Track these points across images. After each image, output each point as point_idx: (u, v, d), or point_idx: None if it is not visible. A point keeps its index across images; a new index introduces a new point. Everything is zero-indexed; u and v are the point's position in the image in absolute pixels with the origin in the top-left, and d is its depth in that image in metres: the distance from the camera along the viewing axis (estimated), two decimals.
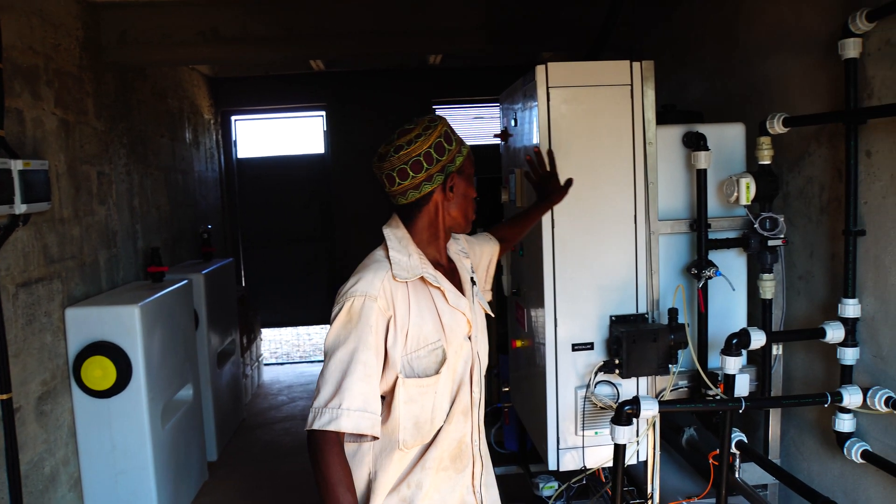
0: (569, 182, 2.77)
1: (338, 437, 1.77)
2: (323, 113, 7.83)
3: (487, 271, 2.40)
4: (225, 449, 5.42)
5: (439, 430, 1.90)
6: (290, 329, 9.24)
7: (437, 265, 1.96)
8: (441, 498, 1.92)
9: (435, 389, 1.86)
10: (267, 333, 8.82)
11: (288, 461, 5.17)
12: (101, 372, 3.71)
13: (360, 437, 1.87)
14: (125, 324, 3.78)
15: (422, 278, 1.88)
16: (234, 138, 7.87)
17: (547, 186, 2.77)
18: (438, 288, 1.90)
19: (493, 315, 2.18)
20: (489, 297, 2.39)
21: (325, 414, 1.75)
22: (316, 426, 1.75)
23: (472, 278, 2.07)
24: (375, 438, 1.84)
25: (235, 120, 7.89)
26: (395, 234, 1.94)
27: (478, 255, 2.33)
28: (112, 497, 3.87)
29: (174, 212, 5.83)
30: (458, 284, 2.01)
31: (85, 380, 3.72)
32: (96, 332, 3.76)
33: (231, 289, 6.02)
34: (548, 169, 2.79)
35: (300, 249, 7.93)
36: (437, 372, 1.85)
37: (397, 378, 1.83)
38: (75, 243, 3.94)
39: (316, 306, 7.96)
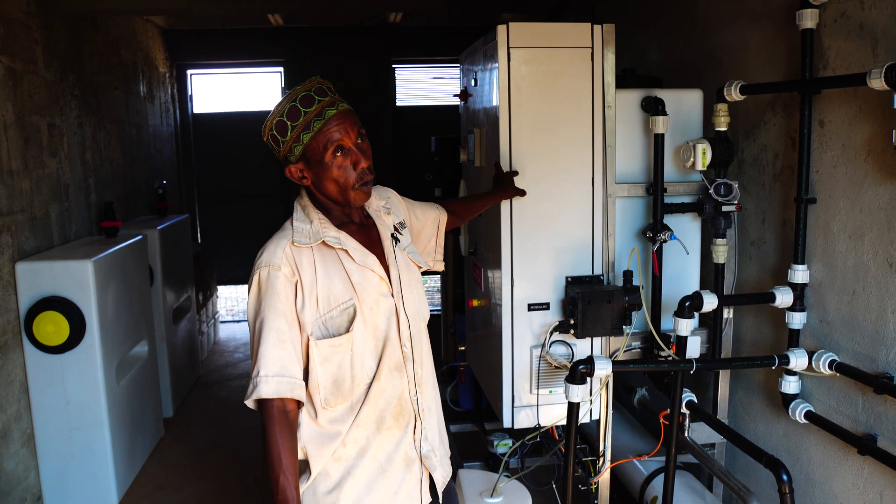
0: (522, 191, 2.89)
1: (278, 410, 1.80)
2: (281, 69, 7.69)
3: (437, 240, 2.40)
4: (181, 406, 5.41)
5: (370, 387, 1.91)
6: (246, 286, 9.14)
7: (344, 225, 1.96)
8: (387, 456, 1.94)
9: (350, 347, 1.87)
10: (223, 291, 8.75)
11: (244, 418, 5.17)
12: (53, 327, 3.66)
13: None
14: (78, 279, 3.72)
15: (324, 242, 1.90)
16: (189, 93, 7.70)
17: (503, 183, 2.87)
18: (342, 249, 1.91)
19: (423, 267, 2.17)
20: (440, 266, 2.40)
21: (249, 386, 1.81)
22: (246, 400, 1.83)
23: (393, 235, 2.06)
24: (301, 404, 1.87)
25: (191, 74, 7.71)
26: (300, 204, 1.99)
27: (420, 220, 2.33)
28: (66, 453, 3.84)
29: (128, 166, 5.71)
30: (376, 240, 2.01)
31: (37, 335, 3.66)
32: (48, 287, 3.69)
33: (186, 245, 5.94)
34: (506, 173, 2.92)
35: (257, 207, 7.84)
36: (349, 330, 1.87)
37: (309, 340, 1.85)
38: (25, 196, 3.84)
39: None
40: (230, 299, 9.22)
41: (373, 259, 1.94)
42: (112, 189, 5.27)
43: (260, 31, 7.34)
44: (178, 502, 4.03)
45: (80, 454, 3.86)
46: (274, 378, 1.79)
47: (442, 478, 2.06)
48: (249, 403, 1.84)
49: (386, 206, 2.13)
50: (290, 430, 1.83)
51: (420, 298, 2.07)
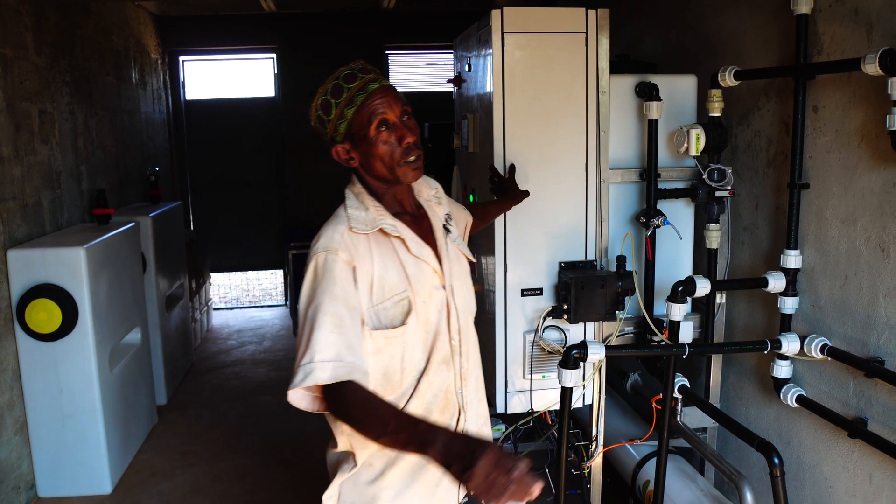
0: (526, 192, 2.84)
1: (350, 388, 1.67)
2: (273, 55, 7.65)
3: (465, 241, 2.37)
4: (174, 393, 5.40)
5: (419, 381, 1.86)
6: (239, 274, 9.17)
7: (398, 215, 1.91)
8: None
9: (403, 340, 1.82)
10: (216, 278, 8.74)
11: (237, 405, 5.18)
12: (45, 315, 3.65)
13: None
14: (70, 266, 3.71)
15: (381, 230, 1.85)
16: (182, 79, 7.65)
17: (507, 192, 2.83)
18: (399, 237, 1.86)
19: (473, 260, 2.13)
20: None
21: (298, 373, 1.69)
22: (291, 388, 1.70)
23: (445, 226, 2.01)
24: None
25: (183, 60, 7.66)
26: (353, 191, 1.90)
27: (453, 218, 2.28)
28: (59, 440, 3.84)
29: (121, 153, 5.68)
30: (427, 231, 1.96)
31: (29, 323, 3.65)
32: (40, 274, 3.68)
33: (179, 232, 5.93)
34: (506, 178, 2.87)
35: (250, 194, 7.82)
36: (403, 322, 1.82)
37: (364, 330, 1.79)
38: (16, 183, 3.82)
39: (266, 251, 7.90)
40: (223, 286, 9.22)
41: (428, 251, 1.90)
42: (104, 176, 5.24)
43: (252, 17, 7.30)
44: (172, 488, 4.03)
45: (73, 442, 3.86)
46: (330, 363, 1.67)
47: None
48: (296, 395, 1.71)
49: (437, 195, 2.08)
50: (359, 390, 1.68)
51: (469, 291, 2.03)
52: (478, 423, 2.02)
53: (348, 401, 1.65)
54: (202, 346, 6.62)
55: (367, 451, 1.85)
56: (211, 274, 7.56)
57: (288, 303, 7.65)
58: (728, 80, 2.97)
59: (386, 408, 1.61)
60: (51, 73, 4.38)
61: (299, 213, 7.71)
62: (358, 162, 1.86)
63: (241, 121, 7.72)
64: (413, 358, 1.86)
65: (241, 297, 8.86)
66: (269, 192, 7.83)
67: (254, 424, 4.84)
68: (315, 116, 1.87)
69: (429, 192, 2.06)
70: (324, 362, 1.67)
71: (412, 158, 1.84)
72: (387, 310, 1.81)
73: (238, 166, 7.77)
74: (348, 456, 1.87)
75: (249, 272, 8.85)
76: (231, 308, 8.12)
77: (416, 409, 1.86)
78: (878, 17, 2.43)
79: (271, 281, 9.33)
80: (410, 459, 1.85)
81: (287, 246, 7.13)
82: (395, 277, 1.82)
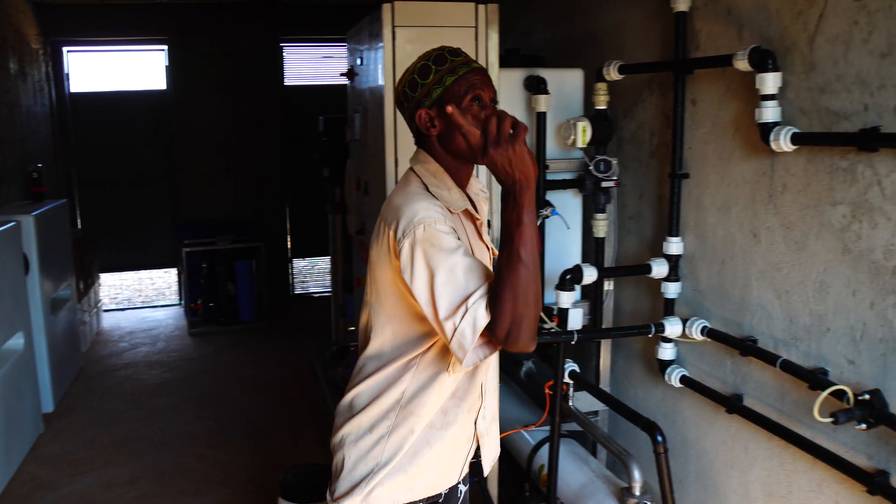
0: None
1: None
2: (164, 47, 7.41)
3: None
4: (62, 399, 5.17)
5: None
6: (131, 273, 8.86)
7: None
8: (465, 436, 1.91)
9: None
10: (107, 278, 8.40)
11: (130, 408, 5.01)
12: None
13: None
14: None
15: (464, 211, 1.82)
16: (66, 71, 7.31)
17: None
18: (478, 220, 1.85)
19: (497, 254, 2.13)
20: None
21: (451, 335, 1.57)
22: (461, 350, 1.57)
23: (488, 220, 2.01)
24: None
25: (67, 51, 7.32)
26: (429, 170, 1.83)
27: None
28: None
29: None
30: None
31: None
32: None
33: (65, 231, 5.67)
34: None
35: (141, 190, 7.54)
36: None
37: None
38: None
39: (159, 249, 7.64)
40: (114, 287, 8.88)
41: (487, 239, 1.93)
42: None
43: (141, 6, 7.04)
44: (59, 500, 3.86)
45: None
46: (480, 299, 1.56)
47: (490, 458, 2.04)
48: (468, 353, 1.57)
49: (484, 190, 2.07)
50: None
51: None
52: (493, 411, 2.04)
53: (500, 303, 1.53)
54: (92, 349, 6.35)
55: (409, 421, 1.81)
56: (101, 274, 7.27)
57: (182, 301, 7.44)
58: (613, 74, 3.07)
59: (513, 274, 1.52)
60: None
61: (193, 210, 7.49)
62: (438, 130, 1.80)
63: (131, 114, 7.42)
64: None
65: (134, 298, 8.56)
66: (160, 189, 7.57)
67: (148, 427, 4.69)
68: (407, 80, 1.80)
69: (478, 185, 2.04)
70: (477, 299, 1.56)
71: None
72: None
73: (128, 162, 7.48)
74: (383, 416, 1.82)
75: (142, 271, 8.55)
76: (123, 309, 7.83)
77: (464, 390, 1.85)
78: (748, 17, 2.56)
79: (165, 280, 9.05)
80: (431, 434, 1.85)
81: (180, 243, 6.93)
82: None
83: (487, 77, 1.81)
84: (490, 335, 1.56)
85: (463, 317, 1.55)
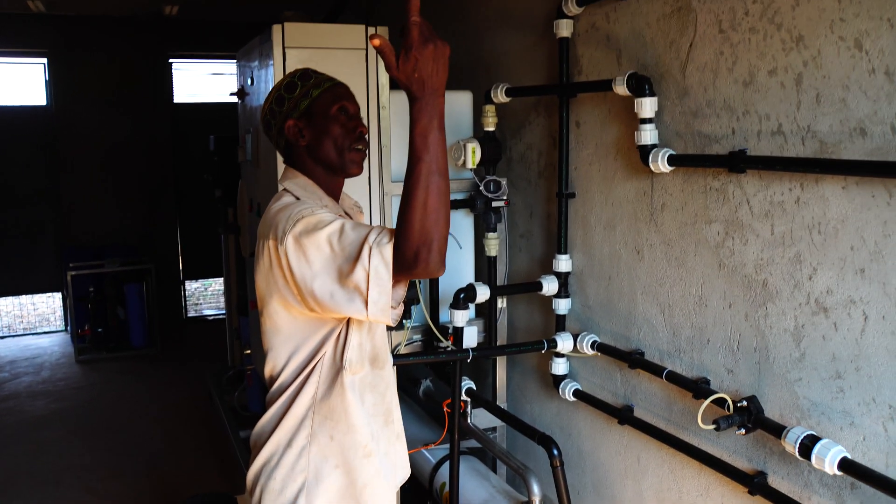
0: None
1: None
2: (45, 60, 7.09)
3: None
4: None
5: (385, 370, 1.90)
6: (11, 299, 8.39)
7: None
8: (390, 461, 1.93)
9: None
10: None
11: (12, 444, 4.75)
12: None
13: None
14: None
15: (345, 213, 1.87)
16: None
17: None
18: None
19: None
20: None
21: (371, 258, 1.50)
22: (376, 299, 1.52)
23: None
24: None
25: None
26: (299, 184, 1.83)
27: None
28: None
29: None
30: None
31: None
32: None
33: None
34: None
35: (22, 210, 7.19)
36: None
37: None
38: None
39: (41, 272, 7.29)
40: None
41: None
42: None
43: (18, 17, 6.72)
44: None
45: None
46: (379, 234, 1.53)
47: (401, 476, 2.02)
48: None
49: (357, 205, 2.10)
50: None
51: None
52: (398, 430, 2.02)
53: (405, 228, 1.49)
54: None
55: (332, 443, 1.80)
56: None
57: (69, 327, 7.11)
58: (500, 96, 3.15)
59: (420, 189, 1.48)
60: None
61: (79, 231, 7.19)
62: (307, 140, 1.83)
63: (7, 131, 7.06)
64: (381, 346, 1.91)
65: (14, 325, 8.11)
66: (41, 210, 7.23)
67: (31, 463, 4.47)
68: (273, 97, 1.86)
69: (350, 201, 2.07)
70: (377, 234, 1.54)
71: (360, 147, 1.85)
72: None
73: (6, 181, 7.11)
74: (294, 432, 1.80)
75: (23, 296, 8.12)
76: (2, 337, 7.42)
77: (376, 404, 1.87)
78: (625, 44, 2.68)
79: (48, 305, 8.60)
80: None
81: (66, 266, 6.63)
82: None
83: (351, 92, 1.91)
84: (396, 263, 1.50)
85: (370, 256, 1.50)
